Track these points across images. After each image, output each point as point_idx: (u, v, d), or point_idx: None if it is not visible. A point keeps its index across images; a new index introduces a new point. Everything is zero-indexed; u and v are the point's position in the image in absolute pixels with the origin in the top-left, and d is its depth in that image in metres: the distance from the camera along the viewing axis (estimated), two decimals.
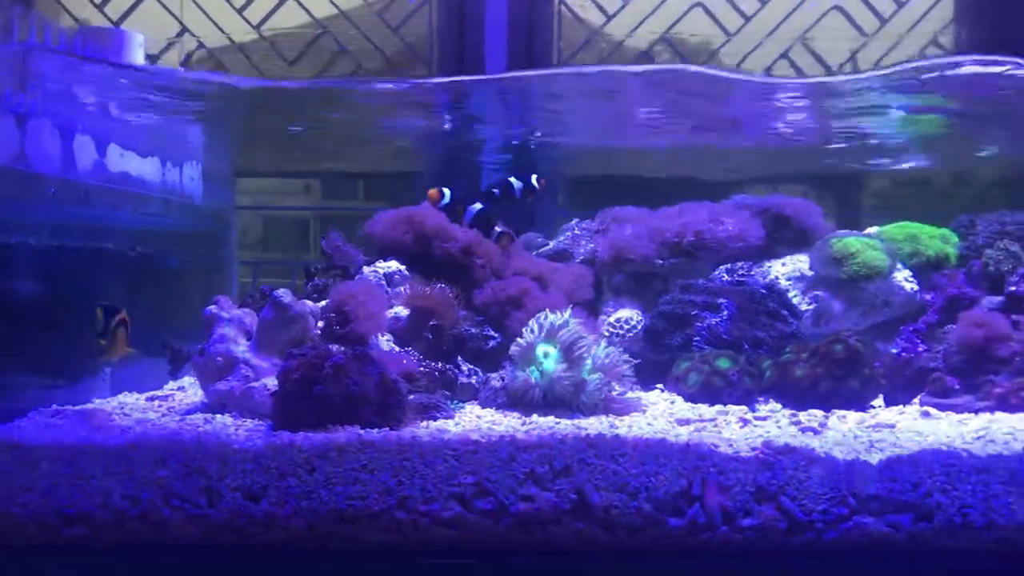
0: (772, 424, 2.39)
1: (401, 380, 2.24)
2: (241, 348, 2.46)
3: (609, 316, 3.25)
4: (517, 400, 2.48)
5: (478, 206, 3.15)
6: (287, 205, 4.83)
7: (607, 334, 3.22)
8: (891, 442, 2.10)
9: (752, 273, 3.13)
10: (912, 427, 2.40)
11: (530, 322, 2.55)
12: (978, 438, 2.20)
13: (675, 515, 1.95)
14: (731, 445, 2.00)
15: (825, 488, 1.96)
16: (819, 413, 2.56)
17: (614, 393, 2.57)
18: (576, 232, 3.48)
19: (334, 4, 4.19)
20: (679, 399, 2.74)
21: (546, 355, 2.48)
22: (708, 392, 2.74)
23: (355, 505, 1.93)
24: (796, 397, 2.75)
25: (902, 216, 3.78)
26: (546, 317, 2.53)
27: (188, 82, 3.16)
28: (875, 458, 1.98)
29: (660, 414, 2.51)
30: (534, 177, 3.30)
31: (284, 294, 2.44)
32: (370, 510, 1.93)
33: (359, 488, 1.93)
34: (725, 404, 2.68)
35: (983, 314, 2.92)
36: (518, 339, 2.52)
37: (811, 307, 3.20)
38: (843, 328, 3.17)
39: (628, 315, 3.20)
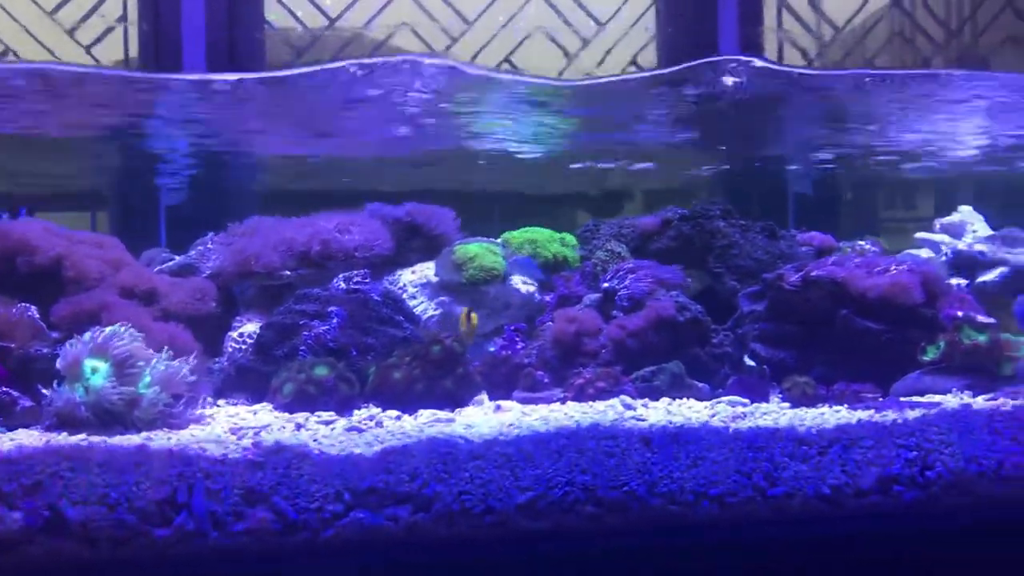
0: (327, 428, 2.38)
1: None
2: None
3: (235, 330, 3.19)
4: (65, 420, 2.35)
5: None
6: None
7: (231, 349, 3.16)
8: (399, 435, 2.13)
9: (367, 281, 3.13)
10: (469, 420, 2.46)
11: (83, 336, 2.43)
12: (511, 426, 2.28)
13: (161, 524, 1.89)
14: (225, 447, 1.96)
15: (320, 485, 1.96)
16: (393, 413, 2.58)
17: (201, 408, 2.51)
18: (209, 246, 3.39)
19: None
20: (264, 410, 2.69)
21: (95, 371, 2.37)
22: (303, 401, 2.69)
23: None
24: (395, 399, 2.76)
25: None
26: (100, 331, 2.43)
27: None
28: (372, 451, 2.00)
29: (223, 425, 2.45)
30: None
31: None
32: None
33: None
34: (314, 412, 2.65)
35: (576, 311, 3.06)
36: (62, 353, 2.40)
37: (437, 312, 3.25)
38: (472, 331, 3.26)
39: (253, 329, 3.14)
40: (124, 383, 2.38)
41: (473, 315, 2.96)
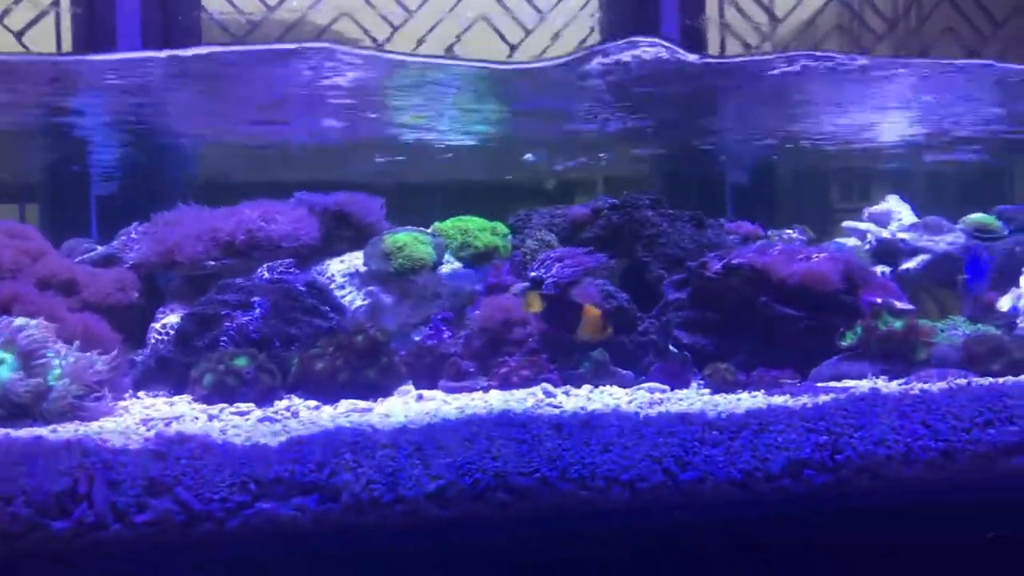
0: (242, 419, 2.36)
1: None
2: None
3: (158, 321, 3.14)
4: None
5: None
6: None
7: (153, 340, 3.11)
8: (309, 424, 2.12)
9: (292, 271, 3.10)
10: (388, 410, 2.45)
11: None
12: (427, 414, 2.27)
13: (60, 517, 1.85)
14: (128, 437, 1.93)
15: (224, 475, 1.93)
16: (312, 404, 2.56)
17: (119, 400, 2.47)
18: (133, 236, 3.33)
19: None
20: (182, 401, 2.66)
21: (0, 362, 2.32)
22: (222, 392, 2.66)
23: None
24: (317, 390, 2.74)
25: None
26: (8, 322, 2.37)
27: None
28: (278, 441, 1.98)
29: (137, 417, 2.41)
30: None
31: None
32: None
33: None
34: (233, 403, 2.62)
35: (503, 299, 3.05)
36: None
37: (366, 302, 3.23)
38: (400, 321, 3.26)
39: (176, 320, 3.09)
40: (32, 375, 2.33)
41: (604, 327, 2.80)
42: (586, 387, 2.70)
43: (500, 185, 6.13)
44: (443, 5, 4.35)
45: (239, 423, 2.26)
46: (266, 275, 3.07)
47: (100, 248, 3.29)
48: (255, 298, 2.95)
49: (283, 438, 1.98)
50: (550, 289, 3.03)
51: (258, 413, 2.41)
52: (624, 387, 2.75)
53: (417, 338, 2.99)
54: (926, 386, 2.44)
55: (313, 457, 1.97)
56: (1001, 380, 2.48)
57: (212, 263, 3.19)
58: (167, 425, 2.24)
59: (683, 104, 3.78)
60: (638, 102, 3.84)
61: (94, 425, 2.31)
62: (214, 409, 2.45)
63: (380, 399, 2.68)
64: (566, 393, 2.62)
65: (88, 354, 2.46)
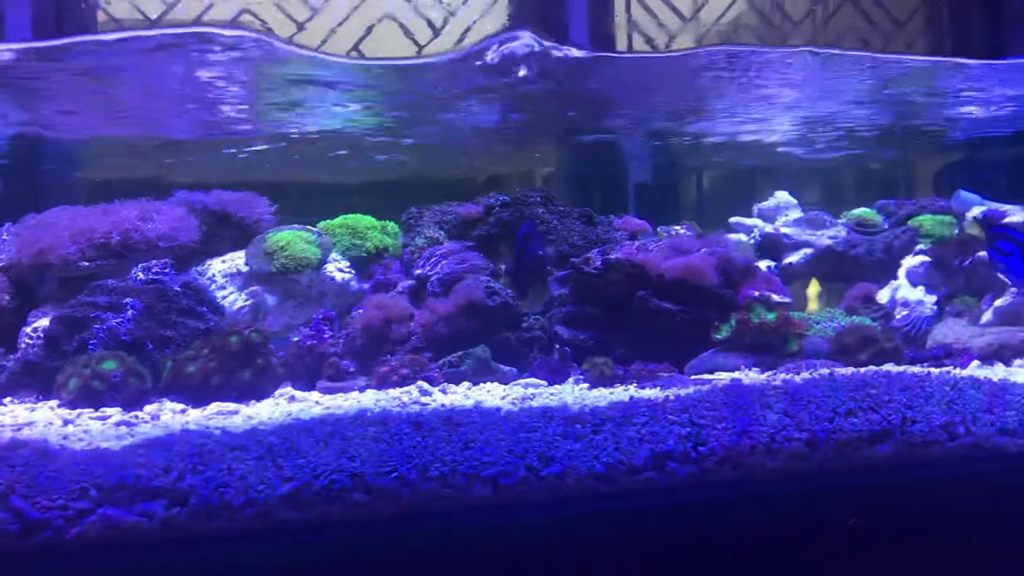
0: (100, 423, 2.28)
1: None
2: None
3: (29, 325, 3.03)
4: None
5: None
6: None
7: (24, 344, 3.01)
8: (160, 427, 2.06)
9: (167, 271, 3.02)
10: (257, 412, 2.40)
11: None
12: (288, 415, 2.23)
13: None
14: None
15: (64, 481, 1.87)
16: (178, 407, 2.50)
17: None
18: (4, 237, 3.21)
19: None
20: (46, 407, 2.57)
21: None
22: (88, 397, 2.58)
23: None
24: (191, 393, 2.68)
25: None
26: None
27: None
28: (122, 445, 1.92)
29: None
30: None
31: None
32: None
33: None
34: (99, 408, 2.54)
35: (385, 297, 3.03)
36: None
37: (247, 302, 3.17)
38: (284, 321, 3.20)
39: (48, 323, 2.99)
40: None
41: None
42: (465, 384, 2.68)
43: (417, 183, 6.09)
44: (349, 2, 4.29)
45: (92, 428, 2.19)
46: (140, 276, 2.99)
47: None
48: (127, 299, 2.87)
49: (127, 442, 1.92)
50: (435, 286, 3.01)
51: (117, 417, 2.34)
52: (504, 383, 2.75)
53: (296, 339, 2.94)
54: (789, 376, 2.48)
55: (159, 461, 1.92)
56: (863, 370, 2.53)
57: (86, 264, 3.10)
58: (16, 432, 2.16)
59: (575, 100, 3.80)
60: (536, 98, 3.85)
61: None
62: (72, 414, 2.38)
63: (255, 401, 2.63)
64: (443, 391, 2.60)
65: None
